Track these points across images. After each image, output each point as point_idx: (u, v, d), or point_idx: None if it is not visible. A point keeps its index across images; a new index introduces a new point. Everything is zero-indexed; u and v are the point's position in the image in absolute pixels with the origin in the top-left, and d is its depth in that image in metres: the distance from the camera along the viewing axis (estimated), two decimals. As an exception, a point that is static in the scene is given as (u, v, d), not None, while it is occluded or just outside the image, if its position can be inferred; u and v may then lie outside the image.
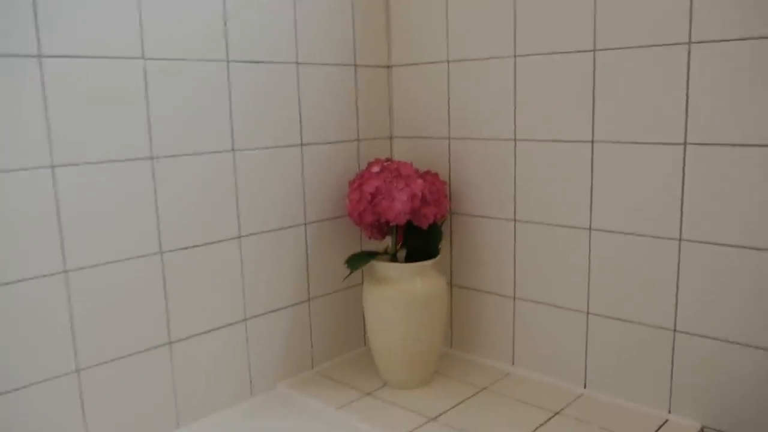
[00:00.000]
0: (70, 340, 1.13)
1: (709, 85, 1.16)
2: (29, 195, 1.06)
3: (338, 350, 1.62)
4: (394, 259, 1.49)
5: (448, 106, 1.54)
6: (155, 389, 1.26)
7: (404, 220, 1.40)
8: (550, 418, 1.31)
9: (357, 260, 1.43)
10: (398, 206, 1.38)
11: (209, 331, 1.33)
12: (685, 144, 1.20)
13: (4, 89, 1.02)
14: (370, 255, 1.46)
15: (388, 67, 1.64)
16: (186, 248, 1.28)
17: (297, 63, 1.43)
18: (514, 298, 1.50)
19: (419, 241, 1.49)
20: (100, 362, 1.17)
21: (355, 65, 1.56)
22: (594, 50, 1.29)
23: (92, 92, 1.12)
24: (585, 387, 1.42)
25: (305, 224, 1.50)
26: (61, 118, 1.08)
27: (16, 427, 1.08)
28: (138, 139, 1.19)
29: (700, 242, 1.21)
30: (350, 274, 1.43)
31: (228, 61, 1.31)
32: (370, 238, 1.51)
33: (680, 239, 1.24)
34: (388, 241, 1.55)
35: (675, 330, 1.27)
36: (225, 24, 1.29)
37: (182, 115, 1.24)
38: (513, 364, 1.53)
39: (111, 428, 1.20)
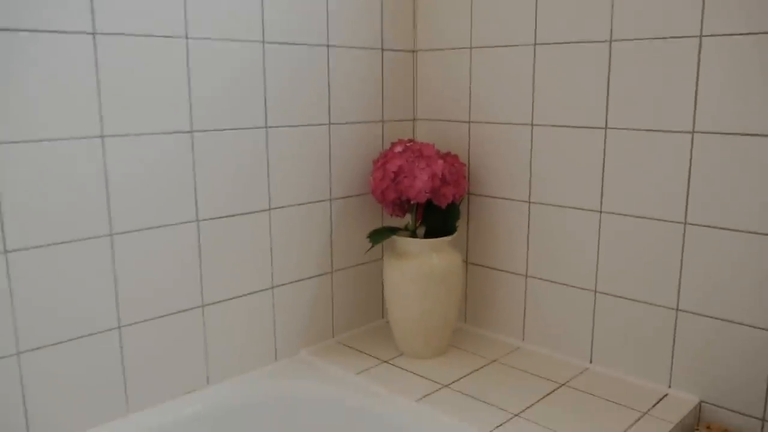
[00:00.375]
0: (113, 298, 1.23)
1: (717, 77, 1.23)
2: (80, 168, 1.15)
3: (358, 321, 1.71)
4: (413, 235, 1.57)
5: (470, 91, 1.62)
6: (188, 348, 1.36)
7: (424, 199, 1.47)
8: (556, 389, 1.39)
9: (378, 235, 1.52)
10: (419, 185, 1.46)
11: (239, 296, 1.43)
12: (693, 132, 1.27)
13: (60, 63, 1.11)
14: (391, 230, 1.54)
15: (413, 51, 1.72)
16: (220, 218, 1.37)
17: (328, 45, 1.51)
18: (526, 276, 1.58)
19: (438, 219, 1.57)
20: (139, 320, 1.27)
21: (382, 49, 1.64)
22: (610, 41, 1.35)
23: (140, 69, 1.21)
24: (591, 362, 1.50)
25: (331, 200, 1.58)
26: (111, 92, 1.17)
27: (55, 379, 1.19)
28: (179, 114, 1.27)
29: (704, 226, 1.28)
30: (372, 247, 1.52)
31: (264, 42, 1.39)
32: (391, 215, 1.59)
33: (685, 223, 1.30)
34: (408, 219, 1.63)
35: (677, 309, 1.34)
36: (261, 6, 1.37)
37: (220, 92, 1.33)
38: (523, 339, 1.62)
39: (148, 379, 1.30)
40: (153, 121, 1.24)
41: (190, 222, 1.32)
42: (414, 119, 1.76)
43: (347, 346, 1.61)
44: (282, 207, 1.48)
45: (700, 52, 1.24)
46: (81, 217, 1.17)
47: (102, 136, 1.17)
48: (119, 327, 1.24)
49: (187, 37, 1.26)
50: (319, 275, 1.59)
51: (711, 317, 1.30)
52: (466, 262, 1.71)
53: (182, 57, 1.26)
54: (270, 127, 1.43)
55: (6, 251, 1.09)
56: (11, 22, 1.05)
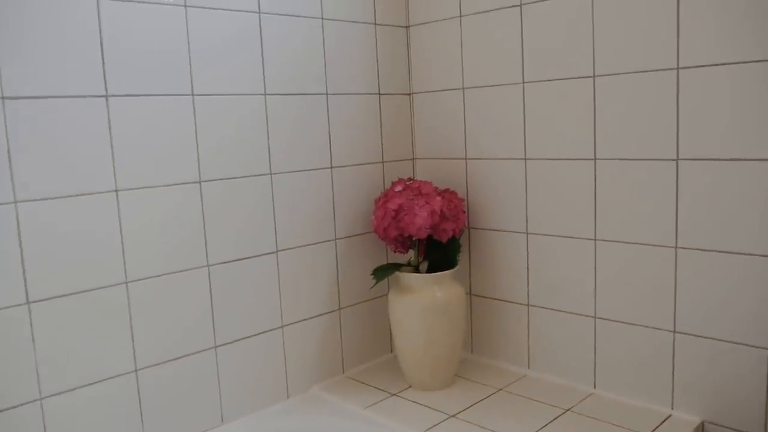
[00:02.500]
0: (130, 347, 1.29)
1: (696, 106, 1.29)
2: (96, 222, 1.23)
3: (367, 356, 1.76)
4: (416, 270, 1.62)
5: (465, 129, 1.69)
6: (202, 388, 1.41)
7: (425, 235, 1.53)
8: (561, 414, 1.42)
9: (382, 271, 1.57)
10: (419, 222, 1.52)
11: (250, 336, 1.48)
12: (677, 160, 1.32)
13: (83, 124, 1.20)
14: (395, 266, 1.60)
15: (409, 94, 1.80)
16: (229, 262, 1.43)
17: (327, 94, 1.59)
18: (528, 305, 1.63)
19: (440, 253, 1.63)
20: (155, 363, 1.33)
21: (379, 94, 1.72)
22: (594, 76, 1.42)
23: (151, 124, 1.29)
24: (595, 387, 1.53)
25: (335, 240, 1.65)
26: (124, 150, 1.26)
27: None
28: (188, 166, 1.35)
29: (695, 249, 1.32)
30: (376, 284, 1.57)
31: (265, 95, 1.47)
32: (395, 251, 1.65)
33: (676, 246, 1.35)
34: (411, 254, 1.68)
35: (675, 331, 1.38)
36: (262, 63, 1.46)
37: (226, 143, 1.41)
38: (528, 367, 1.65)
39: (165, 420, 1.35)
40: (163, 174, 1.32)
41: (201, 267, 1.39)
42: (413, 158, 1.83)
43: (357, 381, 1.66)
44: (289, 249, 1.55)
45: (678, 83, 1.30)
46: (98, 269, 1.24)
47: (116, 191, 1.25)
48: (136, 371, 1.30)
49: (193, 95, 1.35)
50: (328, 313, 1.65)
51: (709, 338, 1.33)
52: (470, 294, 1.76)
53: (190, 113, 1.35)
54: (274, 173, 1.51)
55: (29, 302, 1.16)
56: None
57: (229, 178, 1.42)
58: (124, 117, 1.25)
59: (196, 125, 1.36)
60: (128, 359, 1.29)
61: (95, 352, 1.25)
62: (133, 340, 1.29)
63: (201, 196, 1.38)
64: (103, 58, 1.21)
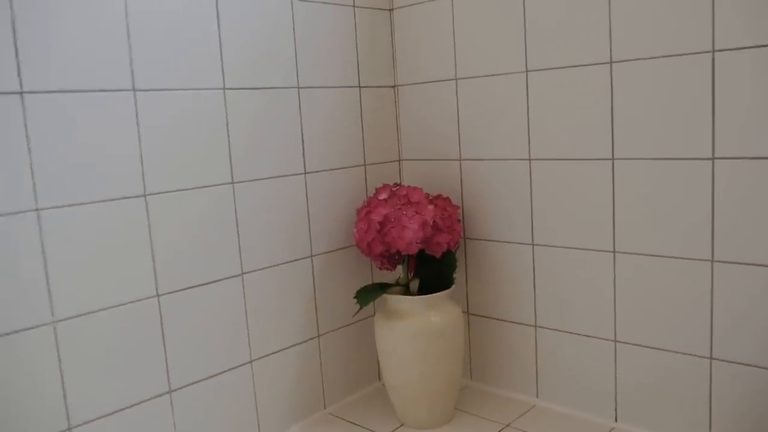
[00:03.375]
0: (60, 398, 1.06)
1: (738, 95, 1.08)
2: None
3: (351, 388, 1.54)
4: (406, 290, 1.41)
5: (458, 126, 1.47)
6: (157, 441, 1.18)
7: (416, 250, 1.32)
8: (580, 458, 1.22)
9: (367, 294, 1.35)
10: (409, 235, 1.31)
11: (211, 376, 1.26)
12: (713, 159, 1.12)
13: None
14: (381, 288, 1.38)
15: (393, 87, 1.58)
16: (183, 290, 1.20)
17: (298, 87, 1.37)
18: (536, 326, 1.42)
19: (433, 270, 1.41)
20: (99, 416, 1.10)
21: (359, 86, 1.50)
22: (611, 62, 1.21)
23: (85, 125, 1.05)
24: (616, 420, 1.32)
25: (311, 257, 1.42)
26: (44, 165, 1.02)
27: None
28: (130, 176, 1.12)
29: (734, 263, 1.12)
30: (360, 309, 1.35)
31: (224, 89, 1.24)
32: (380, 269, 1.43)
33: (712, 260, 1.15)
34: (399, 272, 1.47)
35: (711, 358, 1.18)
36: (220, 50, 1.22)
37: (173, 145, 1.18)
38: (537, 396, 1.44)
39: (110, 486, 1.12)
40: (102, 187, 1.08)
41: (149, 298, 1.16)
42: (399, 160, 1.61)
43: (341, 419, 1.44)
44: (256, 270, 1.32)
45: (714, 68, 1.10)
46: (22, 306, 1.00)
47: (37, 209, 1.02)
48: (82, 424, 1.07)
49: (134, 90, 1.11)
50: (305, 341, 1.42)
51: (752, 366, 1.14)
52: (467, 313, 1.54)
53: (131, 110, 1.11)
54: (237, 182, 1.28)
55: (54, 321, 0.94)
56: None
57: (178, 190, 1.19)
58: (45, 121, 1.02)
59: (138, 125, 1.12)
60: (61, 413, 1.06)
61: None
62: (64, 392, 1.06)
63: (147, 211, 1.14)
64: None
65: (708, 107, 1.11)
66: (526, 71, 1.33)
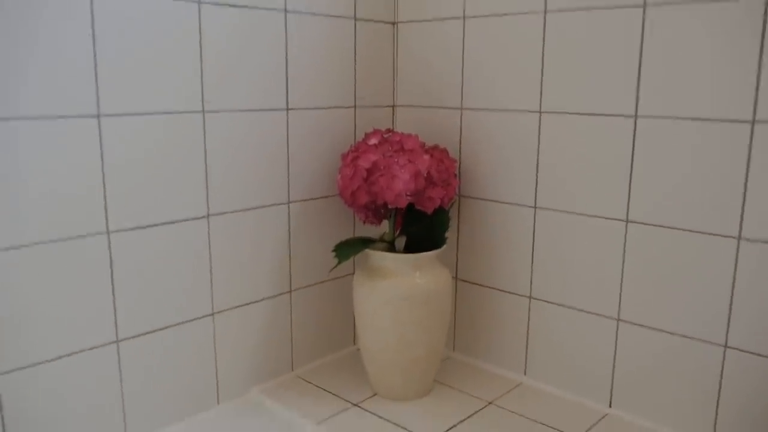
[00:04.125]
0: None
1: (790, 49, 0.94)
2: None
3: (323, 349, 1.41)
4: (391, 248, 1.27)
5: (462, 71, 1.31)
6: (100, 393, 1.05)
7: (405, 203, 1.17)
8: (569, 444, 1.10)
9: (347, 248, 1.21)
10: (399, 186, 1.16)
11: (165, 327, 1.12)
12: (753, 122, 0.98)
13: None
14: (364, 242, 1.24)
15: (393, 23, 1.41)
16: (137, 228, 1.05)
17: (285, 10, 1.20)
18: (530, 298, 1.29)
19: (422, 227, 1.27)
20: (32, 363, 0.96)
21: (355, 19, 1.33)
22: (644, 5, 1.06)
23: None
24: (610, 406, 1.21)
25: (288, 203, 1.28)
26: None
27: None
28: (84, 94, 0.96)
29: (764, 242, 0.99)
30: (338, 264, 1.21)
31: (199, 2, 1.08)
32: (364, 222, 1.28)
33: (739, 237, 1.02)
34: (385, 227, 1.33)
35: (726, 346, 1.05)
36: (195, -45, 1.06)
37: (130, 60, 1.01)
38: (525, 373, 1.32)
39: (40, 443, 0.99)
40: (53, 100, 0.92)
41: (98, 234, 1.01)
42: (393, 105, 1.45)
43: (310, 383, 1.31)
44: (224, 213, 1.17)
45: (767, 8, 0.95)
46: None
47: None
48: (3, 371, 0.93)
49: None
50: (274, 296, 1.28)
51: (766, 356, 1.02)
52: (455, 278, 1.41)
53: (87, 21, 0.95)
54: (208, 111, 1.12)
55: None
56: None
57: (136, 114, 1.03)
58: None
59: (94, 35, 0.96)
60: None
61: None
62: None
63: (100, 139, 0.99)
64: None
65: (754, 55, 0.96)
66: (545, 11, 1.17)
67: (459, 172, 1.35)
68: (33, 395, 0.97)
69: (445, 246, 1.24)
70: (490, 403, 1.24)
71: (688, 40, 1.02)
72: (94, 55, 0.96)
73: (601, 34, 1.11)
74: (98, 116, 0.98)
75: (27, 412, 0.97)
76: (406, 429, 1.14)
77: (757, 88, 0.96)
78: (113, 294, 1.04)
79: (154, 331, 1.10)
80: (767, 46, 0.95)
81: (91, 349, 1.02)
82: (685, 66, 1.03)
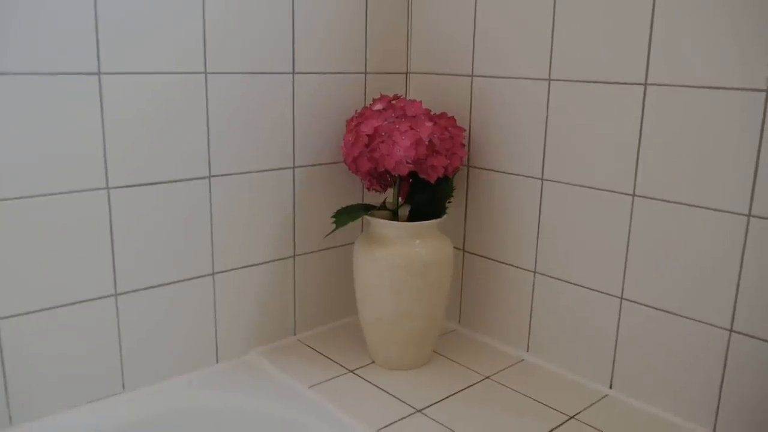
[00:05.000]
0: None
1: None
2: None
3: (326, 317, 1.41)
4: (394, 216, 1.25)
5: (474, 36, 1.28)
6: (100, 345, 1.08)
7: (406, 171, 1.15)
8: (563, 423, 1.07)
9: (346, 215, 1.21)
10: (399, 153, 1.14)
11: (163, 284, 1.14)
12: (767, 92, 0.91)
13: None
14: (364, 208, 1.23)
15: (408, -13, 1.38)
16: (136, 185, 1.07)
17: (292, -27, 1.19)
18: (535, 272, 1.25)
19: (427, 197, 1.25)
20: (27, 311, 0.99)
21: (367, -18, 1.31)
22: (659, -35, 1.00)
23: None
24: (611, 387, 1.17)
25: (294, 167, 1.28)
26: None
27: None
28: (84, 48, 0.97)
29: (777, 221, 0.93)
30: (334, 230, 1.20)
31: (201, -38, 1.08)
32: (369, 189, 1.27)
33: (749, 215, 0.95)
34: (390, 195, 1.31)
35: (731, 330, 1.00)
36: None
37: (134, 19, 1.02)
38: (528, 350, 1.29)
39: (51, 389, 1.03)
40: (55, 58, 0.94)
41: (98, 189, 1.03)
42: (407, 72, 1.43)
43: (310, 347, 1.32)
44: (225, 175, 1.18)
45: (786, -26, 0.88)
46: None
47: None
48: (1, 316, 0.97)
49: (87, -54, 0.96)
50: (277, 260, 1.29)
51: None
52: (462, 250, 1.38)
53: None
54: (210, 73, 1.12)
55: None
56: None
57: (136, 73, 1.04)
58: None
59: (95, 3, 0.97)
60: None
61: None
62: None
63: (101, 99, 1.00)
64: None
65: (771, 26, 0.90)
66: (559, -27, 1.12)
67: (469, 142, 1.32)
68: (33, 341, 1.01)
69: (446, 216, 1.22)
70: (487, 377, 1.21)
71: (702, 4, 0.95)
72: (95, 16, 0.98)
73: (609, 1, 1.06)
74: (99, 74, 1.00)
75: (27, 358, 1.01)
76: (395, 397, 1.13)
77: (773, 55, 0.90)
78: (112, 249, 1.06)
79: (152, 287, 1.12)
80: (786, 9, 0.88)
81: (89, 300, 1.05)
82: (696, 31, 0.96)
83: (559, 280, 1.21)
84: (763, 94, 0.91)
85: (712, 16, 0.95)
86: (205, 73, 1.12)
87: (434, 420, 1.07)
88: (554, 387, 1.18)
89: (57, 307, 1.02)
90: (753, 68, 0.92)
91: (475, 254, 1.36)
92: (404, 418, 1.07)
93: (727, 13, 0.93)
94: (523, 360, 1.28)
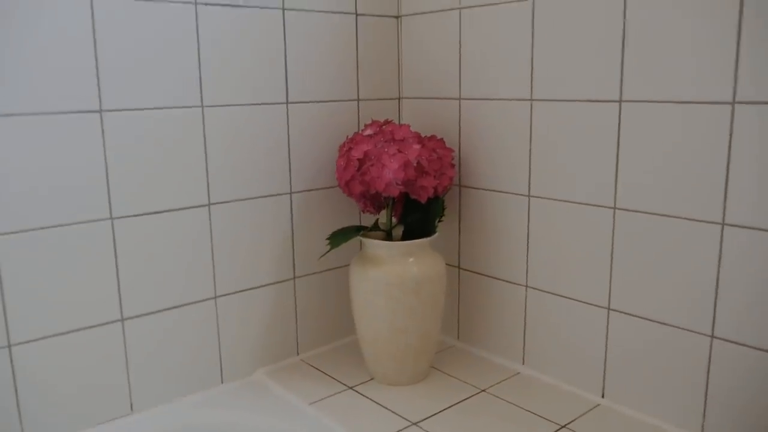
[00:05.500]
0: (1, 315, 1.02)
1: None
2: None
3: (328, 337, 1.46)
4: (388, 236, 1.30)
5: (459, 61, 1.33)
6: (108, 369, 1.13)
7: (396, 192, 1.20)
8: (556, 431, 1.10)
9: (341, 236, 1.26)
10: (388, 175, 1.19)
11: (168, 308, 1.19)
12: (733, 103, 0.95)
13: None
14: (357, 230, 1.28)
15: (397, 17, 1.44)
16: (142, 215, 1.13)
17: (283, 9, 1.26)
18: (526, 287, 1.29)
19: (419, 216, 1.30)
20: (40, 337, 1.05)
21: (356, 14, 1.37)
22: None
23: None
24: (603, 396, 1.19)
25: (291, 193, 1.33)
26: None
27: None
28: (86, 87, 1.04)
29: (746, 227, 0.96)
30: (328, 251, 1.25)
31: (196, 3, 1.15)
32: (363, 211, 1.32)
33: (723, 223, 0.99)
34: (383, 216, 1.36)
35: (713, 336, 1.03)
36: (190, -41, 1.13)
37: (132, 58, 1.09)
38: (523, 363, 1.32)
39: (59, 411, 1.08)
40: (54, 95, 1.02)
41: (103, 220, 1.09)
42: (399, 98, 1.48)
43: (312, 366, 1.36)
44: (224, 202, 1.24)
45: (741, -7, 0.92)
46: None
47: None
48: (9, 346, 1.03)
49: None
50: (278, 282, 1.34)
51: (754, 348, 0.98)
52: (458, 267, 1.42)
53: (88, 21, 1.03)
54: (207, 106, 1.19)
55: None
56: None
57: (135, 109, 1.11)
58: None
59: (94, 35, 1.04)
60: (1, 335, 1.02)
61: None
62: (4, 312, 1.01)
63: (103, 135, 1.07)
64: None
65: (733, 44, 0.94)
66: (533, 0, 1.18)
67: (459, 162, 1.37)
68: (45, 367, 1.06)
69: (437, 234, 1.26)
70: (482, 390, 1.25)
71: (668, 24, 1.00)
72: (96, 60, 1.05)
73: (583, 23, 1.10)
74: (100, 111, 1.07)
75: (39, 383, 1.06)
76: (391, 411, 1.17)
77: (736, 68, 0.94)
78: (117, 275, 1.12)
79: (157, 311, 1.18)
80: (745, 25, 0.92)
81: (97, 325, 1.11)
82: (665, 50, 1.01)
83: (549, 293, 1.25)
84: (729, 106, 0.95)
85: (679, 36, 0.99)
86: (202, 106, 1.18)
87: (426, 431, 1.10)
88: (548, 398, 1.21)
89: (66, 333, 1.08)
90: (718, 82, 0.96)
91: (470, 270, 1.40)
92: (400, 431, 1.11)
93: (691, 33, 0.98)
94: (518, 373, 1.31)
